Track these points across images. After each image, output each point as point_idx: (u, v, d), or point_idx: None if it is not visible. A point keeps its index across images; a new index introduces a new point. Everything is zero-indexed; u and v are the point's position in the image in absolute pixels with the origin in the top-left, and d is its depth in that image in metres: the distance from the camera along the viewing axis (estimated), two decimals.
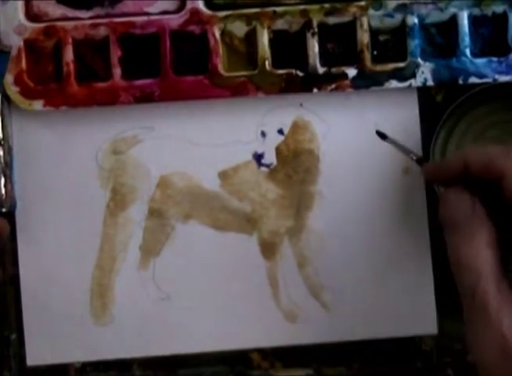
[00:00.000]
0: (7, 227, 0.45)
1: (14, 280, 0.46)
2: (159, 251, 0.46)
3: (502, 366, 0.34)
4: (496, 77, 0.45)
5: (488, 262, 0.34)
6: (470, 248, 0.35)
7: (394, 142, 0.40)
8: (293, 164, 0.46)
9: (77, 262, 0.46)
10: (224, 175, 0.46)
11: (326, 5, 0.45)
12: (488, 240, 0.35)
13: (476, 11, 0.45)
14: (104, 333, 0.46)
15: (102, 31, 0.45)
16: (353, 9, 0.45)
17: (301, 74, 0.45)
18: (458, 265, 0.35)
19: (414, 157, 0.40)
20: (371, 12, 0.45)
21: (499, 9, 0.45)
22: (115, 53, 0.45)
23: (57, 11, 0.46)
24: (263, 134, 0.46)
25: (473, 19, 0.45)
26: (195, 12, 0.45)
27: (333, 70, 0.45)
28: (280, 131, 0.46)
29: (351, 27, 0.45)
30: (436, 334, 0.46)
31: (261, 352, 0.46)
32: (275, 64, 0.46)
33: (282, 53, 0.46)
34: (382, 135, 0.40)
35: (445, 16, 0.45)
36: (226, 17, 0.45)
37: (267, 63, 0.45)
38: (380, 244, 0.46)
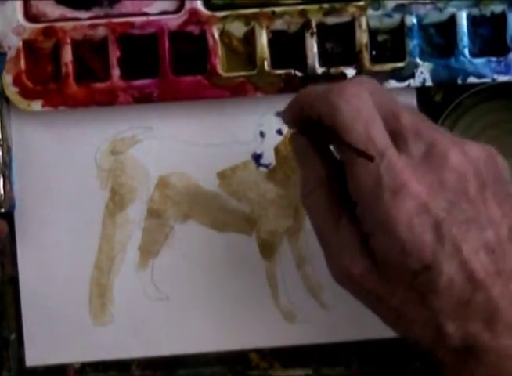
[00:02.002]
0: (6, 228, 0.45)
1: (13, 281, 0.46)
2: (158, 251, 0.46)
3: (353, 295, 0.35)
4: (495, 76, 0.45)
5: (321, 201, 0.35)
6: (303, 190, 0.36)
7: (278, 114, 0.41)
8: (292, 164, 0.46)
9: (76, 262, 0.46)
10: (222, 175, 0.46)
11: (325, 6, 0.45)
12: (319, 179, 0.36)
13: (475, 11, 0.45)
14: (103, 333, 0.46)
15: (100, 32, 0.45)
16: (352, 9, 0.45)
17: (299, 74, 0.45)
18: (302, 203, 0.37)
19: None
20: (370, 12, 0.45)
21: (497, 8, 0.45)
22: (114, 53, 0.45)
23: (56, 11, 0.46)
24: (262, 134, 0.46)
25: (471, 19, 0.45)
26: (194, 13, 0.45)
27: (332, 70, 0.45)
28: (279, 132, 0.46)
29: (349, 27, 0.45)
30: None
31: (260, 352, 0.46)
32: (274, 64, 0.46)
33: (281, 53, 0.46)
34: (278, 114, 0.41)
35: (443, 16, 0.45)
36: (225, 17, 0.45)
37: (266, 63, 0.45)
38: None
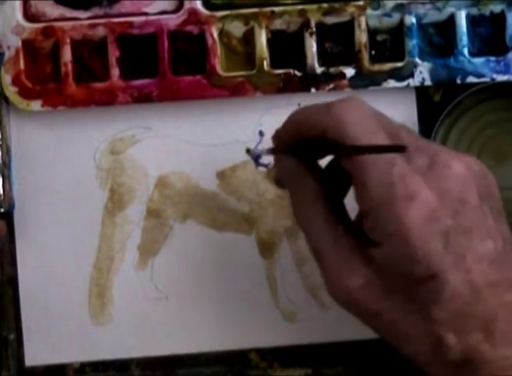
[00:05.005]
0: (5, 228, 0.45)
1: (12, 281, 0.46)
2: (157, 251, 0.46)
3: (351, 311, 0.35)
4: (494, 76, 0.45)
5: (317, 216, 0.35)
6: (297, 209, 0.37)
7: (262, 151, 0.42)
8: None
9: (76, 262, 0.46)
10: (222, 175, 0.46)
11: (324, 5, 0.45)
12: (313, 194, 0.36)
13: (474, 10, 0.45)
14: (103, 333, 0.46)
15: (100, 31, 0.45)
16: (351, 9, 0.45)
17: (299, 73, 0.45)
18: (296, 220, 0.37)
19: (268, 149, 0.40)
20: (369, 11, 0.45)
21: (496, 8, 0.45)
22: (113, 53, 0.45)
23: (55, 11, 0.46)
24: (261, 134, 0.46)
25: (471, 19, 0.45)
26: (193, 12, 0.45)
27: (331, 69, 0.45)
28: None
29: (349, 26, 0.45)
30: None
31: (260, 351, 0.46)
32: (274, 64, 0.46)
33: (280, 53, 0.46)
34: (248, 151, 0.42)
35: (442, 16, 0.45)
36: (224, 17, 0.45)
37: (265, 62, 0.45)
38: None
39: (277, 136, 0.38)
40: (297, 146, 0.37)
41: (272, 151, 0.39)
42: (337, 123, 0.34)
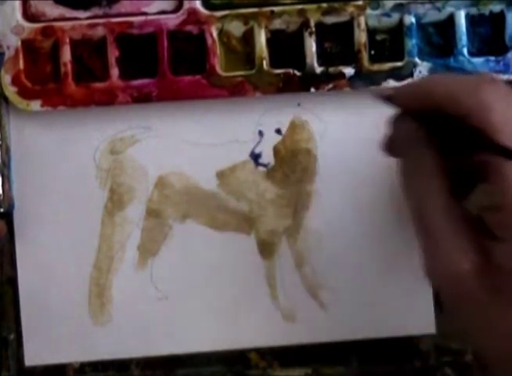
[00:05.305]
0: (4, 228, 0.45)
1: (12, 281, 0.46)
2: (157, 250, 0.46)
3: (451, 291, 0.34)
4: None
5: (436, 192, 0.34)
6: (414, 176, 0.35)
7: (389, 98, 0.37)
8: (291, 164, 0.46)
9: (75, 262, 0.46)
10: (221, 175, 0.46)
11: (324, 5, 0.45)
12: (431, 169, 0.34)
13: (473, 10, 0.45)
14: (102, 333, 0.46)
15: (99, 31, 0.45)
16: (350, 9, 0.45)
17: (298, 73, 0.45)
18: (404, 192, 0.35)
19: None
20: (368, 11, 0.45)
21: (496, 8, 0.45)
22: (113, 53, 0.45)
23: (55, 11, 0.46)
24: (261, 133, 0.46)
25: (470, 19, 0.45)
26: (192, 12, 0.45)
27: (331, 69, 0.45)
28: (278, 131, 0.46)
29: (348, 26, 0.45)
30: (434, 334, 0.46)
31: (259, 351, 0.46)
32: (273, 64, 0.46)
33: (279, 53, 0.46)
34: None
35: (442, 16, 0.45)
36: (224, 17, 0.45)
37: (264, 62, 0.45)
38: (377, 243, 0.46)
39: (404, 95, 0.36)
40: (429, 115, 0.34)
41: (395, 103, 0.35)
42: (483, 111, 0.32)
